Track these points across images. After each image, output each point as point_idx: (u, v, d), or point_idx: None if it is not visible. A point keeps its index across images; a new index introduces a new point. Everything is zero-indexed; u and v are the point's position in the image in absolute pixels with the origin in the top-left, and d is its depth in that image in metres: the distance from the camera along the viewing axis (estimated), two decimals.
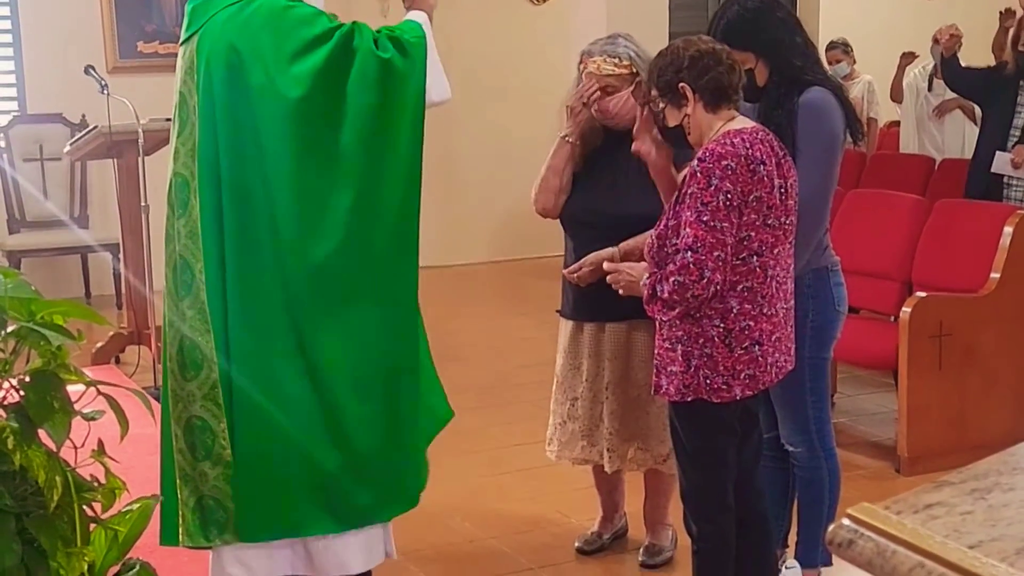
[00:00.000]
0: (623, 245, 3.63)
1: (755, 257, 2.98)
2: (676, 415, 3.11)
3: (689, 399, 3.02)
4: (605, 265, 3.36)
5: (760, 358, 3.02)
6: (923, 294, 4.85)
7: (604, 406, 3.79)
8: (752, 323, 3.00)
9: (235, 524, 3.17)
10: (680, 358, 3.02)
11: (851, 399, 5.81)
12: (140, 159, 5.88)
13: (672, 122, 3.10)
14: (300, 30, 3.11)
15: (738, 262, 2.97)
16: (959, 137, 8.03)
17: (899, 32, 9.79)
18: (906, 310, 4.71)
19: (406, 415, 3.27)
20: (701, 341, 3.00)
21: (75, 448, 2.31)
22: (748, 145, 2.96)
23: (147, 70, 8.10)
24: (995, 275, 4.90)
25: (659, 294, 2.97)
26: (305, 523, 3.19)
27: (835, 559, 3.47)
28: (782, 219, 3.02)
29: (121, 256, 6.66)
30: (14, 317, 2.30)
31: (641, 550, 4.00)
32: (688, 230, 2.93)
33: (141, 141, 5.80)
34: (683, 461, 3.17)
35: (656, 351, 3.11)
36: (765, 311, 3.02)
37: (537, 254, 8.97)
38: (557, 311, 3.97)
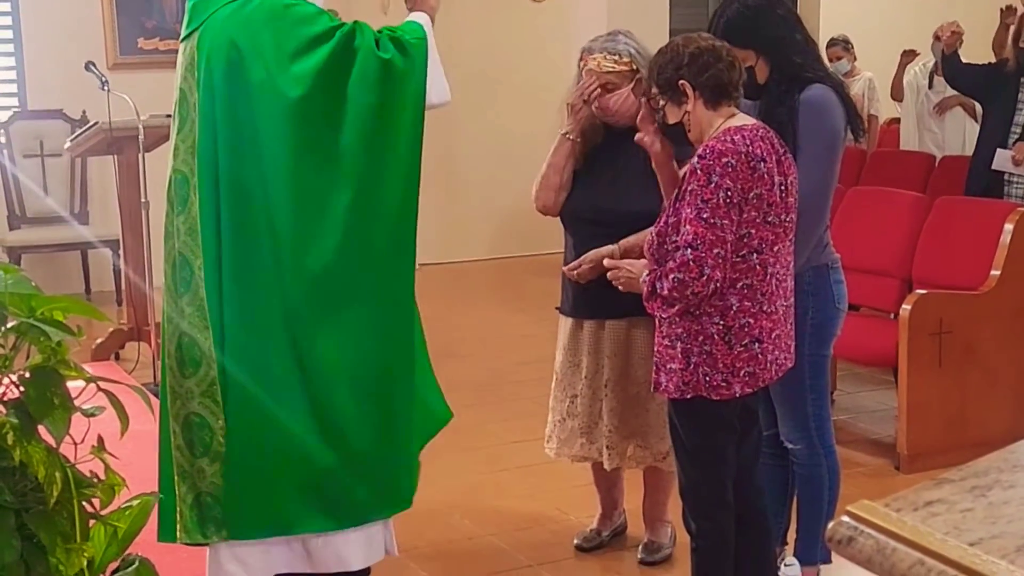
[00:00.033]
0: (623, 242, 3.63)
1: (755, 254, 2.98)
2: (675, 412, 3.11)
3: (688, 396, 3.02)
4: (605, 262, 3.36)
5: (760, 355, 3.02)
6: (923, 291, 4.85)
7: (603, 403, 3.79)
8: (752, 320, 3.00)
9: (227, 521, 3.17)
10: (680, 355, 3.02)
11: (851, 396, 5.81)
12: (140, 155, 5.89)
13: (672, 119, 3.10)
14: (301, 28, 3.11)
15: (738, 259, 2.97)
16: (960, 134, 8.03)
17: (900, 29, 9.79)
18: (906, 307, 4.71)
19: (400, 415, 3.26)
20: (701, 338, 3.00)
21: (75, 444, 2.31)
22: (748, 142, 2.96)
23: (147, 66, 8.10)
24: (995, 272, 4.90)
25: (659, 291, 2.97)
26: (298, 521, 3.18)
27: (834, 556, 3.47)
28: (782, 216, 3.02)
29: (121, 252, 6.66)
30: (14, 313, 2.29)
31: (640, 547, 4.00)
32: (688, 227, 2.93)
33: (141, 137, 5.80)
34: (682, 458, 3.16)
35: (656, 348, 3.11)
36: (765, 308, 3.02)
37: (537, 251, 8.96)
38: (557, 308, 3.97)
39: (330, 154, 3.12)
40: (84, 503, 2.34)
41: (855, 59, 8.44)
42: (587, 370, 3.81)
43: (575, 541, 4.09)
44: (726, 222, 2.91)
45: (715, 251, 2.91)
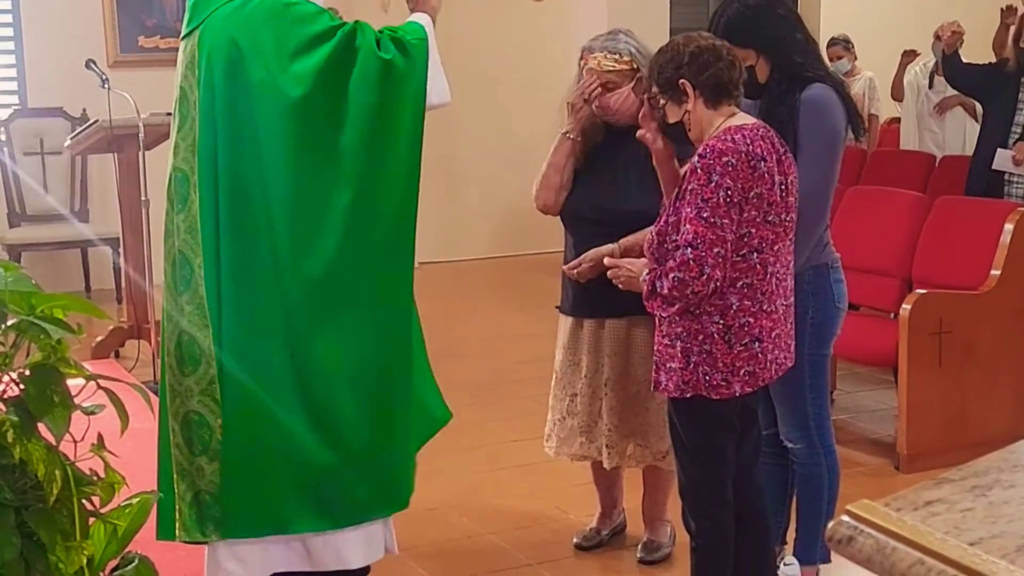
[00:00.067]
0: (623, 241, 3.63)
1: (755, 254, 2.98)
2: (675, 411, 3.11)
3: (688, 395, 3.02)
4: (605, 260, 3.36)
5: (760, 355, 3.02)
6: (923, 291, 4.85)
7: (603, 402, 3.79)
8: (752, 320, 3.00)
9: (224, 519, 3.17)
10: (679, 354, 3.02)
11: (851, 396, 5.81)
12: (140, 153, 5.88)
13: (673, 118, 3.10)
14: (301, 27, 3.11)
15: (738, 259, 2.96)
16: (960, 134, 8.03)
17: (900, 29, 9.79)
18: (906, 307, 4.71)
19: (398, 416, 3.26)
20: (700, 338, 3.00)
21: (75, 442, 2.31)
22: (749, 141, 2.96)
23: (148, 64, 8.10)
24: (995, 272, 4.90)
25: (659, 290, 2.97)
26: (293, 521, 3.18)
27: (834, 556, 3.47)
28: (782, 216, 3.02)
29: (121, 250, 6.66)
30: (14, 311, 2.29)
31: (639, 546, 4.00)
32: (688, 226, 2.92)
33: (141, 135, 5.80)
34: (682, 457, 3.16)
35: (655, 347, 3.11)
36: (765, 308, 3.02)
37: (537, 250, 8.97)
38: (557, 307, 3.97)
39: (330, 154, 3.12)
40: (84, 501, 2.34)
41: (855, 58, 8.44)
42: (587, 369, 3.81)
43: (575, 540, 4.09)
44: (726, 221, 2.91)
45: (715, 250, 2.91)
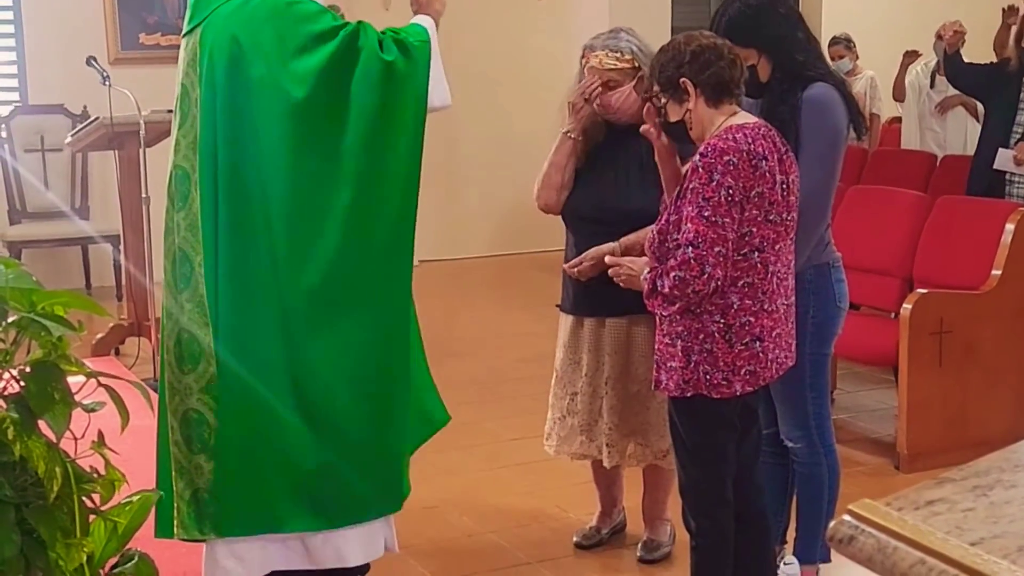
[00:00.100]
0: (624, 240, 3.63)
1: (756, 253, 2.98)
2: (676, 411, 3.11)
3: (689, 395, 3.02)
4: (607, 258, 3.36)
5: (760, 354, 3.02)
6: (924, 291, 4.85)
7: (603, 401, 3.79)
8: (753, 319, 3.00)
9: (217, 517, 3.17)
10: (680, 354, 3.01)
11: (851, 395, 5.81)
12: (141, 151, 5.88)
13: (674, 117, 3.09)
14: (303, 25, 3.11)
15: (739, 258, 2.96)
16: (961, 133, 8.02)
17: (901, 28, 9.79)
18: (907, 307, 4.71)
19: (395, 417, 3.26)
20: (701, 337, 2.99)
21: (75, 439, 2.31)
22: (750, 140, 2.96)
23: (149, 62, 8.09)
24: (996, 272, 4.90)
25: (660, 289, 2.97)
26: (286, 520, 3.18)
27: (834, 555, 3.47)
28: (783, 215, 3.02)
29: (122, 247, 6.66)
30: (15, 307, 2.29)
31: (639, 545, 4.00)
32: (689, 225, 2.92)
33: (142, 133, 5.80)
34: (682, 457, 3.16)
35: (656, 346, 3.11)
36: (766, 307, 3.02)
37: (537, 248, 8.96)
38: (557, 306, 3.97)
39: (330, 154, 3.12)
40: (84, 498, 2.34)
41: (857, 58, 8.44)
42: (587, 368, 3.81)
43: (574, 539, 4.09)
44: (727, 220, 2.91)
45: (716, 249, 2.90)
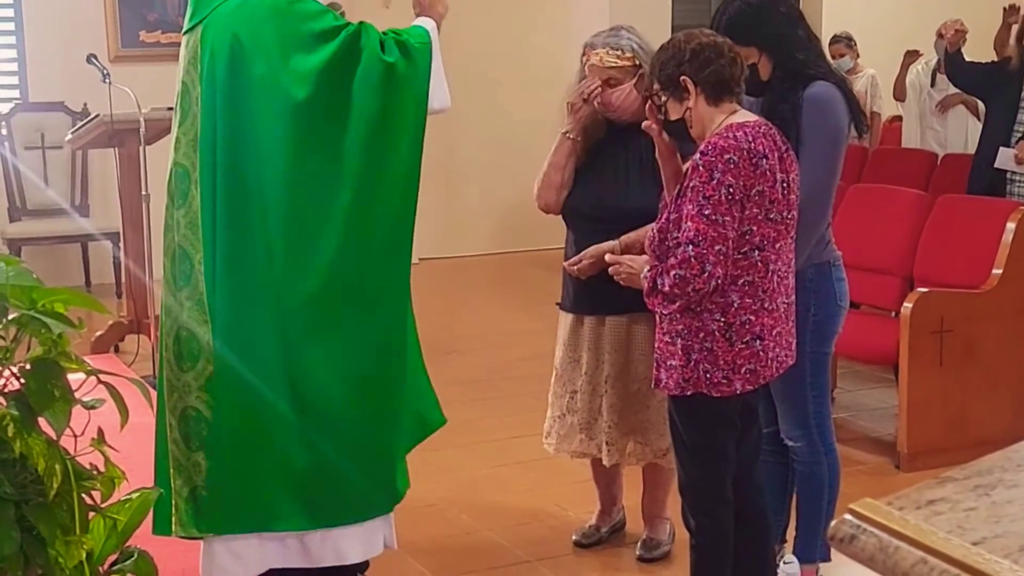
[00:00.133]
0: (624, 238, 3.62)
1: (756, 251, 2.98)
2: (675, 409, 3.11)
3: (689, 393, 3.02)
4: (607, 257, 3.35)
5: (761, 353, 3.01)
6: (924, 290, 4.84)
7: (603, 399, 3.79)
8: (753, 317, 2.99)
9: (210, 514, 3.16)
10: (680, 352, 3.01)
11: (851, 394, 5.81)
12: (141, 148, 5.88)
13: (674, 115, 3.09)
14: (305, 24, 3.11)
15: (739, 256, 2.96)
16: (962, 132, 8.02)
17: (902, 26, 9.78)
18: (907, 306, 4.70)
19: (390, 418, 3.26)
20: (701, 335, 2.99)
21: (75, 436, 2.31)
22: (751, 139, 2.95)
23: (149, 59, 8.09)
24: (997, 271, 4.89)
25: (660, 287, 2.97)
26: (279, 518, 3.18)
27: (834, 554, 3.47)
28: (784, 213, 3.02)
29: (121, 245, 6.66)
30: (15, 305, 2.29)
31: (639, 544, 4.00)
32: (689, 224, 2.92)
33: (142, 130, 5.79)
34: (682, 455, 3.16)
35: (656, 345, 3.11)
36: (766, 306, 3.01)
37: (537, 246, 8.96)
38: (557, 304, 3.97)
39: (330, 155, 3.12)
40: (84, 495, 2.34)
41: (858, 56, 8.43)
42: (587, 366, 3.81)
43: (574, 537, 4.09)
44: (728, 219, 2.91)
45: (716, 248, 2.90)
